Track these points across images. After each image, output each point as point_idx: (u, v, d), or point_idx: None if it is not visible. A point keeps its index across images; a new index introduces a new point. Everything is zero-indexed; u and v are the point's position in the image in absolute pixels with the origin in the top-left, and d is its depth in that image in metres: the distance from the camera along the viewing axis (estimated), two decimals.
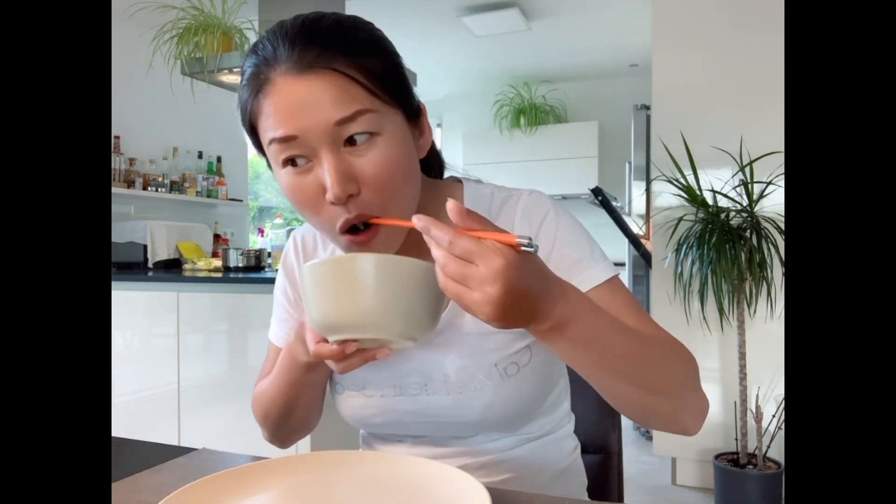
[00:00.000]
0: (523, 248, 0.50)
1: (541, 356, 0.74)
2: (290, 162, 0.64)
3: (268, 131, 0.63)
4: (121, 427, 2.48)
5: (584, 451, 0.90)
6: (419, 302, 0.56)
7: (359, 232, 0.65)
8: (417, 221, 0.52)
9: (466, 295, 0.50)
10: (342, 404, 0.79)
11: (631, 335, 0.61)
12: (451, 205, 0.50)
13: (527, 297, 0.51)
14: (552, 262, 0.71)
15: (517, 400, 0.73)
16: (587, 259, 0.71)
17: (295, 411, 0.78)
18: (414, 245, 0.70)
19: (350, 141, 0.62)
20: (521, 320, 0.52)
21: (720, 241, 2.22)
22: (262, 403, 0.80)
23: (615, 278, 0.71)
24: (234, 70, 2.79)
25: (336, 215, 0.64)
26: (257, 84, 0.63)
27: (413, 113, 0.69)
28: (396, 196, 0.65)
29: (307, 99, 0.60)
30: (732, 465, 2.28)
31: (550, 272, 0.54)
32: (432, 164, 0.82)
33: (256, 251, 2.91)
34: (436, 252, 0.51)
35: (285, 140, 0.62)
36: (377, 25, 0.69)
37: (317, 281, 0.56)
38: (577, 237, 0.73)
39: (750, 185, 2.29)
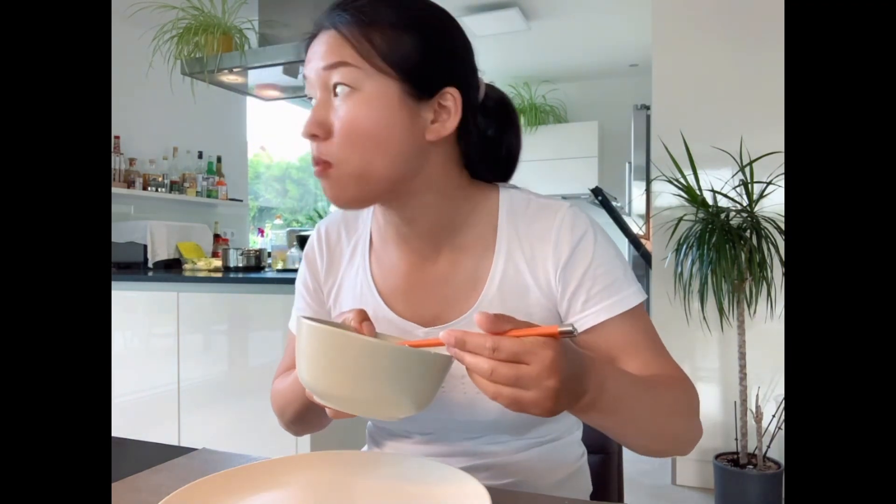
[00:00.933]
0: (564, 335, 0.51)
1: None
2: (311, 100, 0.71)
3: None
4: (121, 427, 2.48)
5: None
6: (407, 390, 0.54)
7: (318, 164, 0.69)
8: (447, 338, 0.51)
9: (523, 396, 0.50)
10: None
11: (645, 388, 0.65)
12: (478, 317, 0.51)
13: (575, 380, 0.53)
14: (585, 281, 0.71)
15: None
16: (621, 281, 0.72)
17: (309, 415, 0.79)
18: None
19: (337, 91, 0.67)
20: (570, 403, 0.54)
21: (720, 241, 2.22)
22: (280, 402, 0.82)
23: (642, 303, 0.73)
24: (234, 70, 2.78)
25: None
26: (310, 38, 0.72)
27: (425, 91, 0.67)
28: (358, 155, 0.67)
29: (317, 49, 0.69)
30: (732, 465, 2.27)
31: (576, 347, 0.55)
32: (487, 163, 0.78)
33: (256, 251, 2.91)
34: (476, 361, 0.50)
35: (306, 79, 0.71)
36: None
37: (310, 345, 0.55)
38: (612, 259, 0.73)
39: (750, 185, 2.29)
